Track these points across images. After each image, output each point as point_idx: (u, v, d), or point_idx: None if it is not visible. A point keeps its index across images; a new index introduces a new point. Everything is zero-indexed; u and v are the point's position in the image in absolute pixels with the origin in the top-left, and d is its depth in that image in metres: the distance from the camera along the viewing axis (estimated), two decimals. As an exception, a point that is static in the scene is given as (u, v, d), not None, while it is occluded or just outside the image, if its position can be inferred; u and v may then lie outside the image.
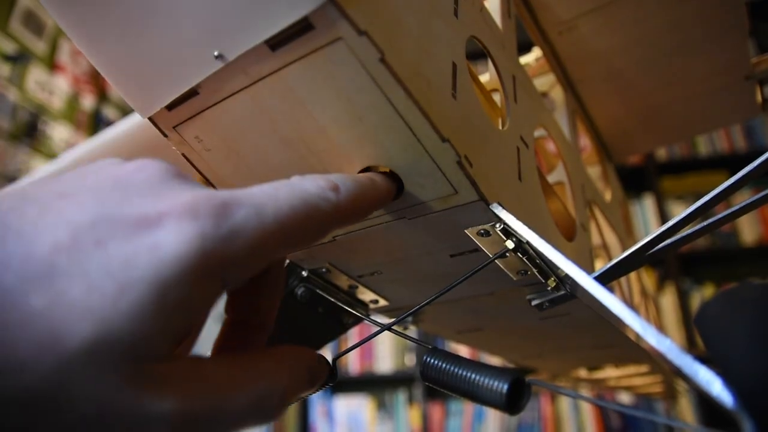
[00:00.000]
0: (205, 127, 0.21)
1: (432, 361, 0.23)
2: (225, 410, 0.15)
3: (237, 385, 0.15)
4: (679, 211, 0.22)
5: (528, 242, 0.22)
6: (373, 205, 0.20)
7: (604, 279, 0.24)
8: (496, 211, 0.21)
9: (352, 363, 1.84)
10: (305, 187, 0.17)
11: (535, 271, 0.24)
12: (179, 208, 0.14)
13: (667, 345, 0.17)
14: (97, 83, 1.91)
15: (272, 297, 0.20)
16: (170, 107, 0.20)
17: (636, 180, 1.79)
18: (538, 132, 0.35)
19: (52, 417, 0.12)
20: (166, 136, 0.22)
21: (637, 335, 0.23)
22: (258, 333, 0.20)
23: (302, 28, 0.16)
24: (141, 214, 0.14)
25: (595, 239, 0.42)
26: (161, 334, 0.13)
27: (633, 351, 0.44)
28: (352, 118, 0.19)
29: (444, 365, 0.22)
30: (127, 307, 0.12)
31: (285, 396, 0.17)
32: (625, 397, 1.50)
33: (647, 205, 1.78)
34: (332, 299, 0.30)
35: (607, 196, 0.47)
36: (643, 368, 0.54)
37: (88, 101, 1.86)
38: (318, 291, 0.29)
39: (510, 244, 0.22)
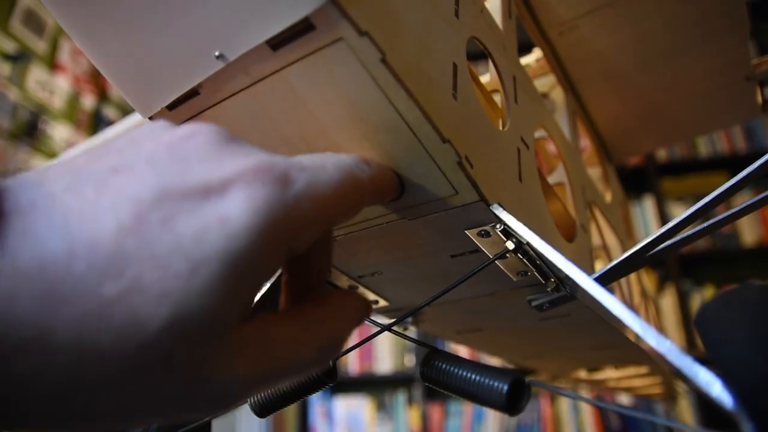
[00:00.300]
0: (206, 126, 0.21)
1: (432, 361, 0.23)
2: (289, 366, 0.15)
3: (299, 340, 0.16)
4: (680, 213, 0.22)
5: (528, 243, 0.22)
6: (393, 189, 0.20)
7: (604, 280, 0.24)
8: (496, 211, 0.21)
9: (352, 363, 1.83)
10: (343, 158, 0.17)
11: (535, 272, 0.24)
12: (243, 174, 0.14)
13: (667, 346, 0.17)
14: (98, 83, 1.91)
15: (323, 257, 0.20)
16: (171, 107, 0.20)
17: (636, 181, 1.79)
18: (539, 133, 0.35)
19: (134, 398, 0.12)
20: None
21: (637, 336, 0.23)
22: (312, 292, 0.20)
23: (303, 28, 0.16)
24: (204, 183, 0.13)
25: (596, 240, 0.42)
26: (234, 305, 0.13)
27: (633, 352, 0.44)
28: (353, 118, 0.19)
29: (444, 366, 0.23)
30: (202, 286, 0.12)
31: (342, 341, 0.17)
32: (624, 399, 1.50)
33: (647, 206, 1.78)
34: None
35: (608, 197, 0.47)
36: (643, 369, 0.54)
37: (88, 101, 1.86)
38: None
39: (510, 245, 0.22)
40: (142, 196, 0.13)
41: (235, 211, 0.13)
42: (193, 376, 0.13)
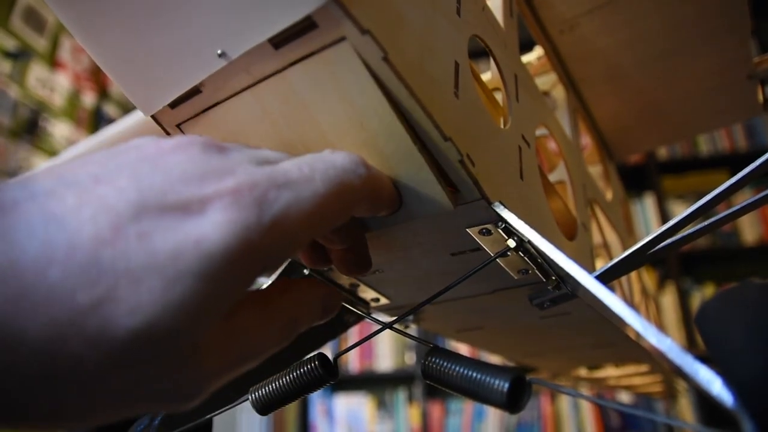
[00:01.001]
0: (208, 126, 0.21)
1: (433, 359, 0.23)
2: (252, 352, 0.16)
3: (262, 327, 0.17)
4: (680, 211, 0.22)
5: (529, 241, 0.22)
6: (389, 198, 0.20)
7: (605, 278, 0.24)
8: (497, 210, 0.21)
9: (353, 361, 1.84)
10: (338, 163, 0.17)
11: (536, 270, 0.24)
12: (222, 196, 0.14)
13: (668, 344, 0.17)
14: (98, 80, 1.91)
15: (350, 230, 0.21)
16: (173, 105, 0.20)
17: (637, 179, 1.79)
18: (540, 131, 0.35)
19: (105, 396, 0.13)
20: (168, 134, 0.22)
21: (638, 334, 0.23)
22: (357, 246, 0.22)
23: (306, 26, 0.16)
24: (184, 201, 0.14)
25: (596, 238, 0.42)
26: (206, 319, 0.14)
27: (633, 350, 0.44)
28: (353, 123, 0.19)
29: (445, 364, 0.23)
30: (174, 302, 0.13)
31: (296, 328, 0.18)
32: (624, 397, 1.51)
33: (648, 205, 1.78)
34: (333, 297, 0.30)
35: (608, 195, 0.47)
36: (643, 368, 0.54)
37: (89, 98, 1.86)
38: (319, 289, 0.29)
39: (511, 243, 0.22)
40: (121, 208, 0.13)
41: (211, 233, 0.13)
42: (162, 378, 0.13)
